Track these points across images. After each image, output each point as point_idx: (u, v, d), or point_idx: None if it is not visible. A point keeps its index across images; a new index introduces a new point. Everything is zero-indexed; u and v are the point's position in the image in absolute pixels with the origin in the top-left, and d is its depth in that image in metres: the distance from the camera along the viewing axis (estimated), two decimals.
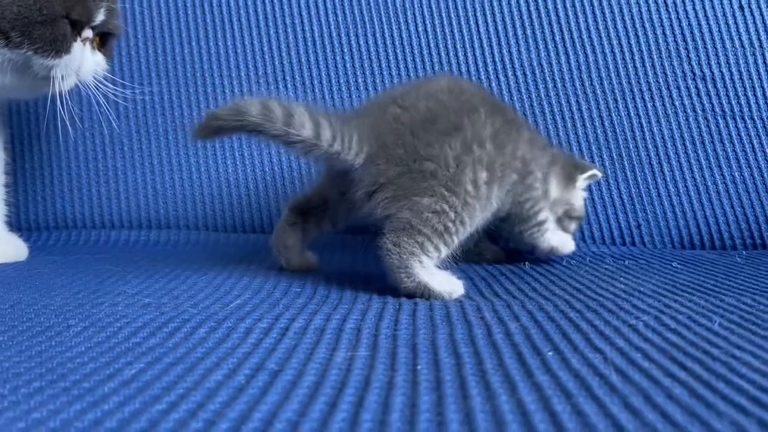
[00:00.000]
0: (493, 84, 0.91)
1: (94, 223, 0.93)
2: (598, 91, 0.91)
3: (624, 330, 0.43)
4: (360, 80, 0.93)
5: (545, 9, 0.92)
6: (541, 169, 0.68)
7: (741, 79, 0.89)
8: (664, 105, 0.90)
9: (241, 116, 0.53)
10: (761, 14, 0.90)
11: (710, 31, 0.90)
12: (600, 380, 0.33)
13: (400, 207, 0.56)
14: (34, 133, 0.94)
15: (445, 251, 0.56)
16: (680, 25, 0.91)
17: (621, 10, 0.92)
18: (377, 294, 0.56)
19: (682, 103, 0.89)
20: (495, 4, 0.93)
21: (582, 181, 0.74)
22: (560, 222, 0.73)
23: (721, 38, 0.90)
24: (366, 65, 0.93)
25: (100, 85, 0.74)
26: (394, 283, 0.55)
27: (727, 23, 0.90)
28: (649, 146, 0.89)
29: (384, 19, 0.94)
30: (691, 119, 0.89)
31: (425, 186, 0.56)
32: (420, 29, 0.94)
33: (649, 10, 0.91)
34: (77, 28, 0.67)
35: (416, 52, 0.93)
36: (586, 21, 0.92)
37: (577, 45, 0.92)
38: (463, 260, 0.63)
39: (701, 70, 0.90)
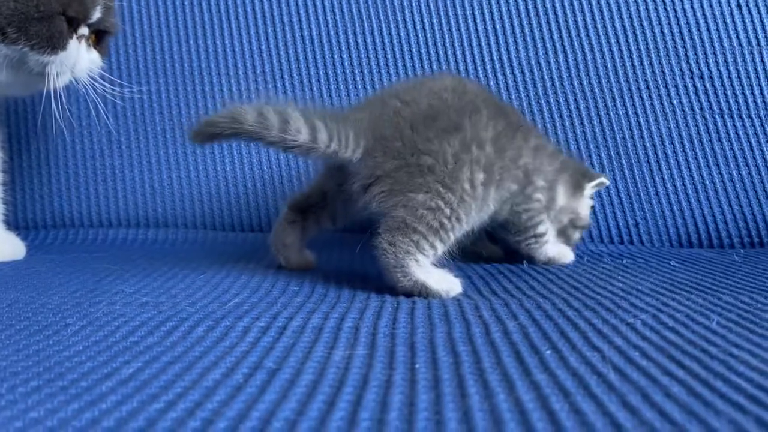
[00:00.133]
0: (491, 82, 0.91)
1: (92, 222, 0.92)
2: (596, 90, 0.91)
3: (622, 328, 0.43)
4: (358, 78, 0.93)
5: (543, 8, 0.92)
6: (545, 179, 0.67)
7: (739, 77, 0.89)
8: (662, 103, 0.90)
9: (236, 124, 0.54)
10: (759, 13, 0.90)
11: (708, 30, 0.90)
12: (598, 379, 0.33)
13: (396, 203, 0.56)
14: (31, 131, 0.94)
15: (441, 248, 0.56)
16: (678, 24, 0.91)
17: (619, 9, 0.92)
18: (375, 293, 0.56)
19: (680, 101, 0.90)
20: (493, 2, 0.93)
21: (589, 189, 0.74)
22: (565, 231, 0.73)
23: (719, 37, 0.90)
24: (364, 63, 0.93)
25: (94, 82, 0.74)
26: (391, 282, 0.55)
27: (724, 22, 0.90)
28: (647, 145, 0.89)
29: (381, 18, 0.94)
30: (689, 118, 0.89)
31: (421, 182, 0.56)
32: (418, 27, 0.93)
33: (647, 8, 0.91)
34: (73, 25, 0.67)
35: (414, 50, 0.93)
36: (584, 19, 0.92)
37: (575, 43, 0.92)
38: (462, 259, 0.63)
39: (699, 69, 0.90)
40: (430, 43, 0.93)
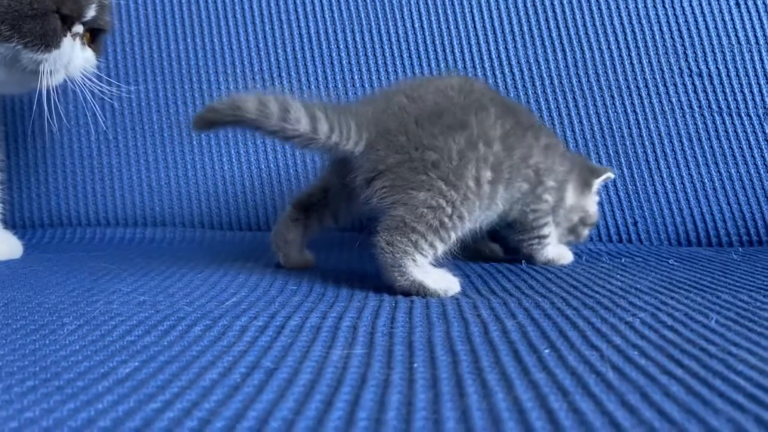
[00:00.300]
0: (490, 80, 0.91)
1: (89, 221, 0.92)
2: (595, 88, 0.90)
3: (621, 327, 0.43)
4: (356, 77, 0.93)
5: (542, 6, 0.92)
6: (556, 179, 0.67)
7: (737, 75, 0.89)
8: (660, 102, 0.90)
9: (237, 111, 0.53)
10: (757, 11, 0.90)
11: (707, 28, 0.90)
12: (597, 378, 0.33)
13: (396, 200, 0.55)
14: (28, 130, 0.93)
15: (441, 248, 0.56)
16: (677, 22, 0.91)
17: (617, 7, 0.92)
18: (373, 292, 0.56)
19: (679, 99, 0.90)
20: (491, 0, 0.93)
21: (597, 185, 0.74)
22: (575, 229, 0.73)
23: (718, 35, 0.90)
24: (362, 62, 0.93)
25: (88, 81, 0.73)
26: (389, 281, 0.55)
27: (723, 20, 0.90)
28: (646, 143, 0.89)
29: (380, 16, 0.94)
30: (687, 116, 0.89)
31: (423, 179, 0.55)
32: (416, 26, 0.93)
33: (645, 6, 0.91)
34: (67, 23, 0.67)
35: (412, 48, 0.93)
36: (582, 18, 0.92)
37: (574, 42, 0.91)
38: (461, 257, 0.63)
39: (698, 67, 0.90)
40: (428, 41, 0.93)
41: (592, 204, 0.74)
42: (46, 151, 0.93)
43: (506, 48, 0.92)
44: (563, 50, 0.91)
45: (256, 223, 0.92)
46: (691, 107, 0.89)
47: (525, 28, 0.92)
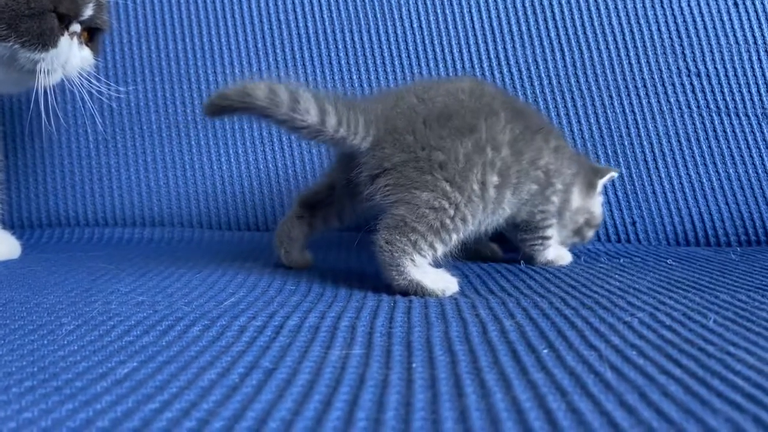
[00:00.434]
0: (488, 81, 0.91)
1: (88, 221, 0.92)
2: (593, 88, 0.90)
3: (619, 327, 0.43)
4: (354, 77, 0.93)
5: (540, 6, 0.92)
6: (563, 182, 0.67)
7: (735, 75, 0.89)
8: (659, 102, 0.90)
9: (247, 98, 0.53)
10: (755, 11, 0.90)
11: (705, 28, 0.90)
12: (595, 378, 0.33)
13: (399, 199, 0.55)
14: (26, 130, 0.93)
15: (440, 249, 0.56)
16: (675, 22, 0.91)
17: (616, 7, 0.92)
18: (372, 292, 0.56)
19: (677, 99, 0.90)
20: (490, 0, 0.93)
21: (601, 186, 0.74)
22: (580, 230, 0.73)
23: (716, 35, 0.90)
24: (360, 62, 0.93)
25: (85, 81, 0.73)
26: (387, 280, 0.55)
27: (721, 20, 0.90)
28: (644, 143, 0.89)
29: (378, 16, 0.94)
30: (686, 116, 0.89)
31: (428, 179, 0.55)
32: (415, 26, 0.93)
33: (644, 6, 0.91)
34: (65, 22, 0.67)
35: (411, 48, 0.93)
36: (581, 18, 0.92)
37: (572, 42, 0.91)
38: (460, 257, 0.63)
39: (696, 67, 0.90)
40: (427, 42, 0.93)
41: (596, 205, 0.74)
42: (45, 151, 0.93)
43: (504, 48, 0.92)
44: (561, 50, 0.91)
45: (254, 223, 0.92)
46: (689, 107, 0.89)
47: (523, 29, 0.92)
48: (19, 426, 0.27)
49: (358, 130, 0.56)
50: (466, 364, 0.36)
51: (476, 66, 0.92)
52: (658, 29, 0.91)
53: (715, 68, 0.89)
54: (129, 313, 0.47)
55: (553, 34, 0.92)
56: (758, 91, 0.89)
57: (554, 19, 0.92)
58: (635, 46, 0.91)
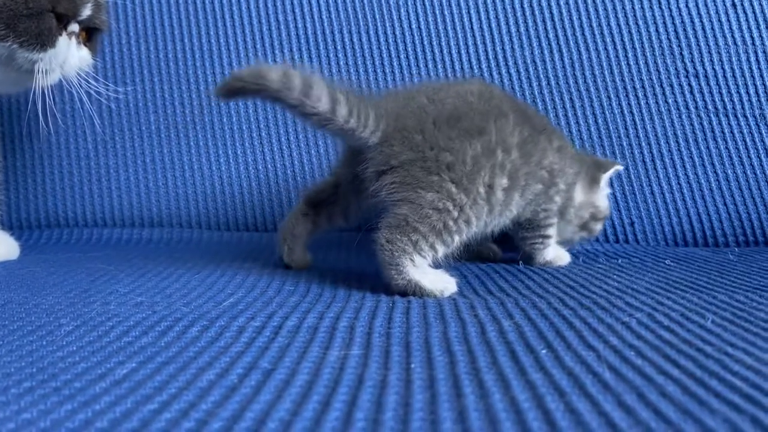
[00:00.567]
0: (487, 81, 0.91)
1: (86, 222, 0.92)
2: (592, 89, 0.91)
3: (617, 327, 0.43)
4: (354, 77, 0.93)
5: (539, 6, 0.92)
6: (566, 182, 0.68)
7: (734, 76, 0.89)
8: (657, 102, 0.90)
9: (261, 81, 0.53)
10: (754, 11, 0.90)
11: (703, 29, 0.90)
12: (593, 378, 0.33)
13: (403, 198, 0.55)
14: (25, 130, 0.93)
15: (442, 250, 0.56)
16: (673, 23, 0.91)
17: (614, 8, 0.92)
18: (370, 292, 0.56)
19: (675, 100, 0.90)
20: (489, 1, 0.93)
21: (605, 180, 0.74)
22: (586, 225, 0.73)
23: (714, 35, 0.90)
24: (359, 62, 0.93)
25: (83, 81, 0.73)
26: (386, 279, 0.55)
27: (720, 20, 0.90)
28: (643, 144, 0.89)
29: (377, 16, 0.94)
30: (684, 116, 0.89)
31: (434, 180, 0.55)
32: (414, 27, 0.93)
33: (642, 7, 0.92)
34: (63, 22, 0.67)
35: (410, 49, 0.93)
36: (579, 18, 0.92)
37: (571, 42, 0.92)
38: (462, 258, 0.63)
39: (694, 68, 0.90)
40: (426, 43, 0.93)
41: (601, 198, 0.74)
42: (43, 152, 0.93)
43: (503, 49, 0.92)
44: (560, 51, 0.92)
45: (253, 223, 0.92)
46: (687, 108, 0.89)
47: (522, 29, 0.92)
48: (18, 427, 0.27)
49: (368, 123, 0.56)
50: (464, 365, 0.36)
51: (475, 67, 0.92)
52: (657, 30, 0.91)
53: (713, 69, 0.90)
54: (128, 313, 0.47)
55: (551, 35, 0.92)
56: (756, 92, 0.89)
57: (553, 20, 0.92)
58: (633, 48, 0.91)
